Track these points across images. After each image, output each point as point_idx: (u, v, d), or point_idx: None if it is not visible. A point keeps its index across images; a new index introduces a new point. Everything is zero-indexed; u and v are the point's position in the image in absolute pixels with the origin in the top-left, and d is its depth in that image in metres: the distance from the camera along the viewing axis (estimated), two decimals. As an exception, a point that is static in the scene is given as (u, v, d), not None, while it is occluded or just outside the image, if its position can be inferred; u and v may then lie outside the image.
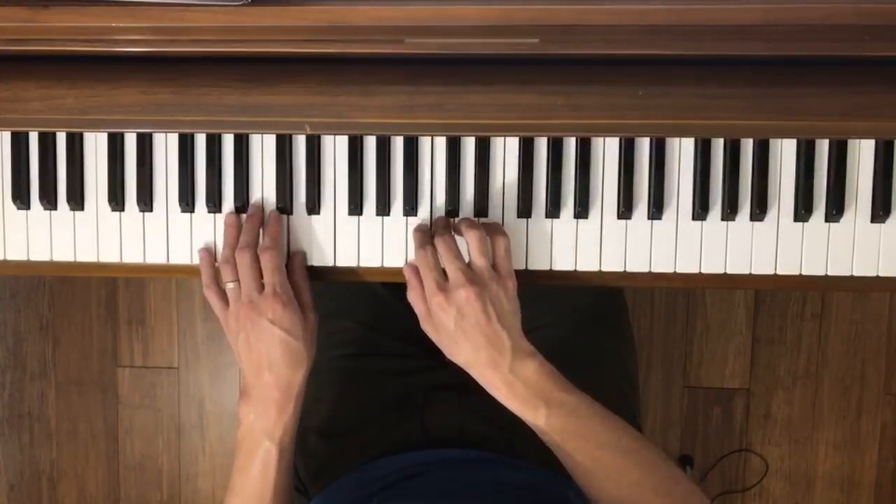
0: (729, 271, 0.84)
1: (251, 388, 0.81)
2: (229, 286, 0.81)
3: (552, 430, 0.76)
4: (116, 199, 0.85)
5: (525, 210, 0.84)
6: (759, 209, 0.83)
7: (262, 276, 0.80)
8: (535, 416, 0.77)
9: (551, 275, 0.85)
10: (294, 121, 0.80)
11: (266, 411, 0.80)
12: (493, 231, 0.80)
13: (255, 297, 0.79)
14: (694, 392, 1.75)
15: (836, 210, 0.83)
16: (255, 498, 0.82)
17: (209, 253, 0.85)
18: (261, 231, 0.83)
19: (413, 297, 0.80)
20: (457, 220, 0.83)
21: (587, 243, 0.84)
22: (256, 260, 0.80)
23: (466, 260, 0.79)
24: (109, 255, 0.86)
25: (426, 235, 0.81)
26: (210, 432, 1.82)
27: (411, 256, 0.84)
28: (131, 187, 0.85)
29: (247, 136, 0.84)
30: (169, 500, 1.84)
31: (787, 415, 1.75)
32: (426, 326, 0.80)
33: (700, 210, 0.83)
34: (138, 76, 0.80)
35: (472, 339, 0.77)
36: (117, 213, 0.86)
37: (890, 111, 0.78)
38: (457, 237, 0.81)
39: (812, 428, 1.75)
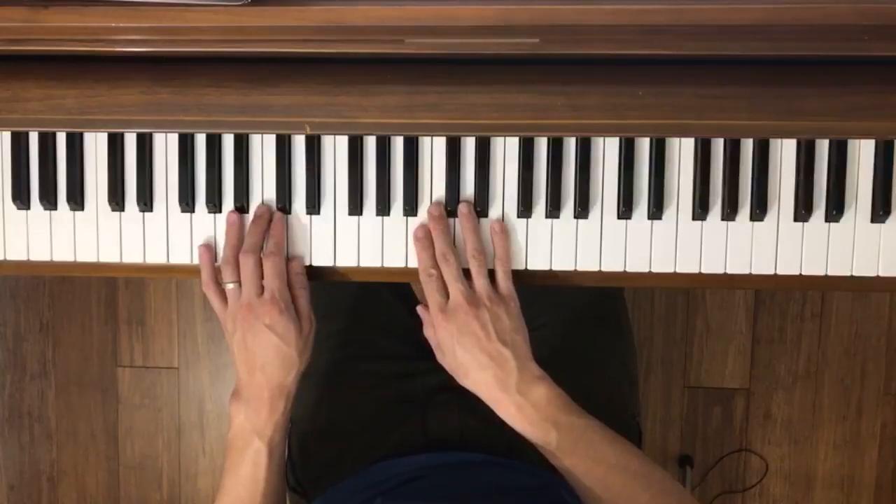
0: (729, 271, 0.84)
1: (243, 387, 0.82)
2: (229, 286, 0.82)
3: (563, 454, 0.78)
4: (116, 199, 0.85)
5: (525, 210, 0.84)
6: (759, 209, 0.83)
7: (262, 279, 0.81)
8: (546, 439, 0.78)
9: (551, 275, 0.85)
10: (294, 121, 0.80)
11: (257, 410, 0.81)
12: (496, 255, 0.82)
13: (253, 301, 0.80)
14: (694, 392, 1.75)
15: (836, 210, 0.83)
16: (245, 498, 0.82)
17: (209, 250, 0.85)
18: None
19: (428, 332, 0.83)
20: (465, 241, 0.83)
21: (587, 243, 0.84)
22: (259, 265, 0.81)
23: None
24: (109, 255, 0.86)
25: (429, 253, 0.82)
26: (210, 432, 1.82)
27: (412, 258, 0.84)
28: (131, 187, 0.85)
29: (247, 136, 0.84)
30: (169, 500, 1.84)
31: (787, 415, 1.75)
32: (439, 357, 0.83)
33: (700, 210, 0.83)
34: (138, 76, 0.80)
35: (475, 356, 0.78)
36: (117, 213, 0.86)
37: (890, 111, 0.78)
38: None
39: (812, 428, 1.75)
